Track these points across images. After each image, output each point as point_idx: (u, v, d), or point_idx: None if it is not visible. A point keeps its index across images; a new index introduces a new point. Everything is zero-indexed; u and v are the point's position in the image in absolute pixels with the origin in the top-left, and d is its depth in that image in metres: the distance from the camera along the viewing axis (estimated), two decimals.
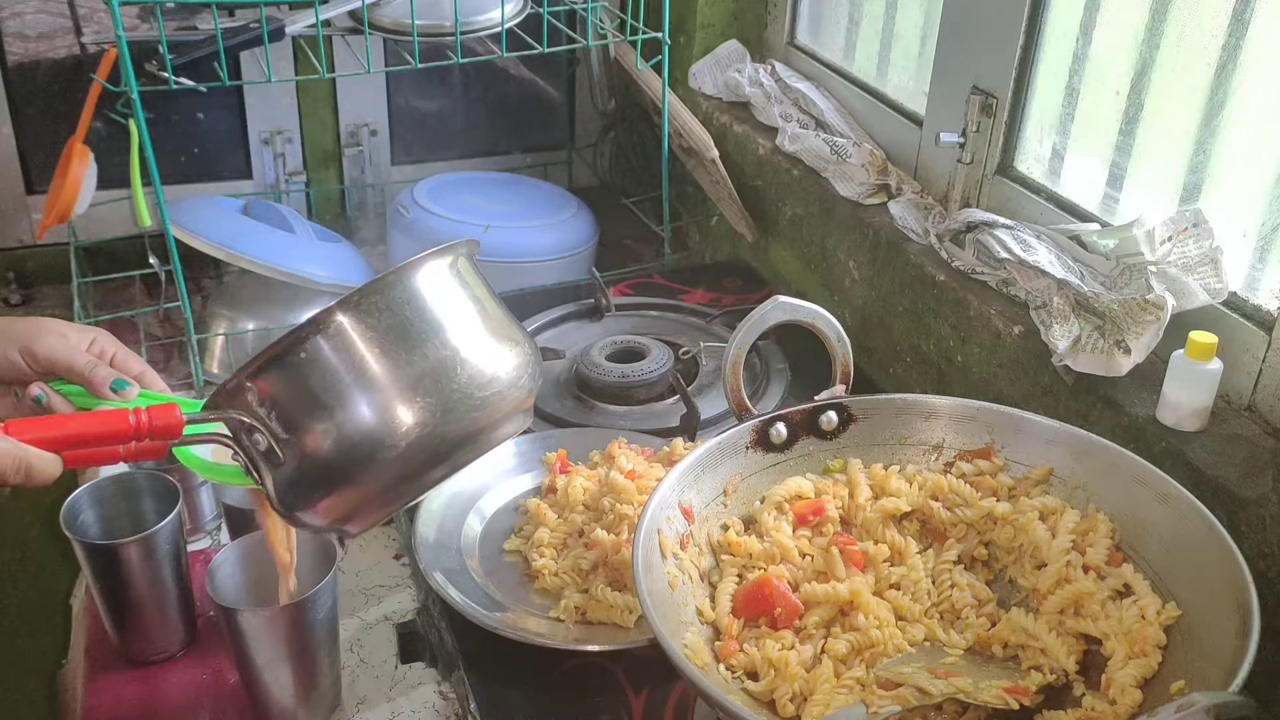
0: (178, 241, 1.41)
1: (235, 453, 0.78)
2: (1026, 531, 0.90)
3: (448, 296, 0.77)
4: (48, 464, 0.73)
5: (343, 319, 0.73)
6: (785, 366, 1.37)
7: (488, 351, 0.77)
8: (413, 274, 0.76)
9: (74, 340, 0.85)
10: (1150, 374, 1.01)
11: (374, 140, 1.89)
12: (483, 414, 0.76)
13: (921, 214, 1.33)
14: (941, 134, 1.29)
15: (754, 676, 0.85)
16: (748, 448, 0.97)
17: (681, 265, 1.75)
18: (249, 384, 0.74)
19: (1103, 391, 1.04)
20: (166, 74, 1.31)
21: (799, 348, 1.36)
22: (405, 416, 0.73)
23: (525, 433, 1.22)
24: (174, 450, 0.85)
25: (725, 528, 0.95)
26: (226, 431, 0.76)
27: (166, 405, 0.74)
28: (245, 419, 0.74)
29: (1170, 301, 0.99)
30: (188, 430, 0.75)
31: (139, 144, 1.34)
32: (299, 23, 1.41)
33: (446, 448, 0.76)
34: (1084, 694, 0.81)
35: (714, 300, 1.56)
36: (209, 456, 0.87)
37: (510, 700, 0.94)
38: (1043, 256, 1.12)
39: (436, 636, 1.04)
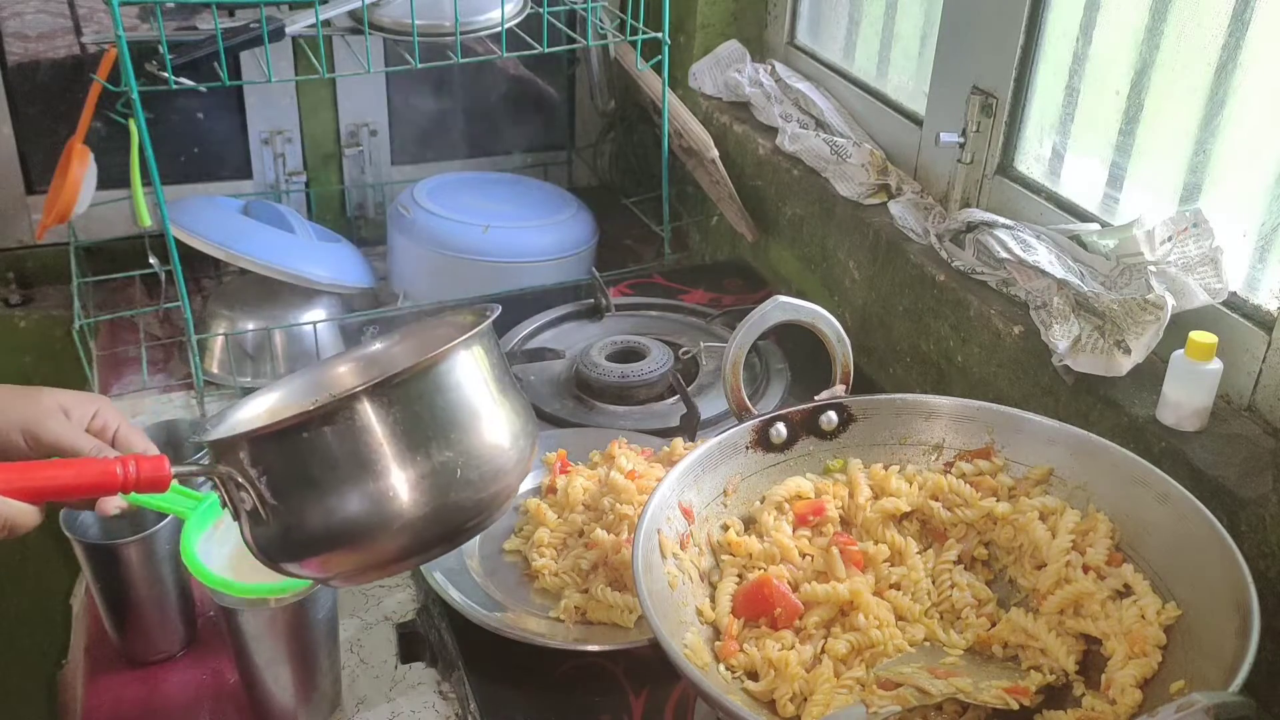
0: (178, 241, 1.41)
1: (216, 489, 0.78)
2: (1026, 531, 0.90)
3: (463, 388, 0.75)
4: (29, 516, 0.73)
5: (356, 409, 0.71)
6: (785, 366, 1.36)
7: (491, 451, 0.75)
8: (431, 370, 0.74)
9: (76, 417, 0.84)
10: (1150, 374, 1.01)
11: (374, 140, 1.89)
12: (475, 514, 0.76)
13: (921, 214, 1.33)
14: (941, 134, 1.29)
15: (754, 676, 0.85)
16: (748, 448, 0.97)
17: (681, 265, 1.75)
18: (247, 445, 0.73)
19: (1103, 391, 1.04)
20: (166, 74, 1.31)
21: (799, 348, 1.36)
22: (398, 515, 0.73)
23: None
24: (185, 560, 0.86)
25: (725, 528, 0.95)
26: (225, 475, 0.76)
27: (156, 458, 0.74)
28: (237, 478, 0.73)
29: (1170, 301, 0.99)
30: (176, 479, 0.75)
31: (139, 144, 1.34)
32: (299, 23, 1.41)
33: (433, 542, 0.76)
34: (1084, 694, 0.81)
35: (714, 300, 1.56)
36: (225, 572, 0.88)
37: (510, 700, 0.94)
38: (1043, 256, 1.12)
39: (436, 636, 1.04)
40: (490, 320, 0.79)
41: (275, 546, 0.76)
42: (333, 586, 0.83)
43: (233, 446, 0.73)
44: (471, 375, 0.75)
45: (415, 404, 0.72)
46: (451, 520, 0.74)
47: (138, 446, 0.85)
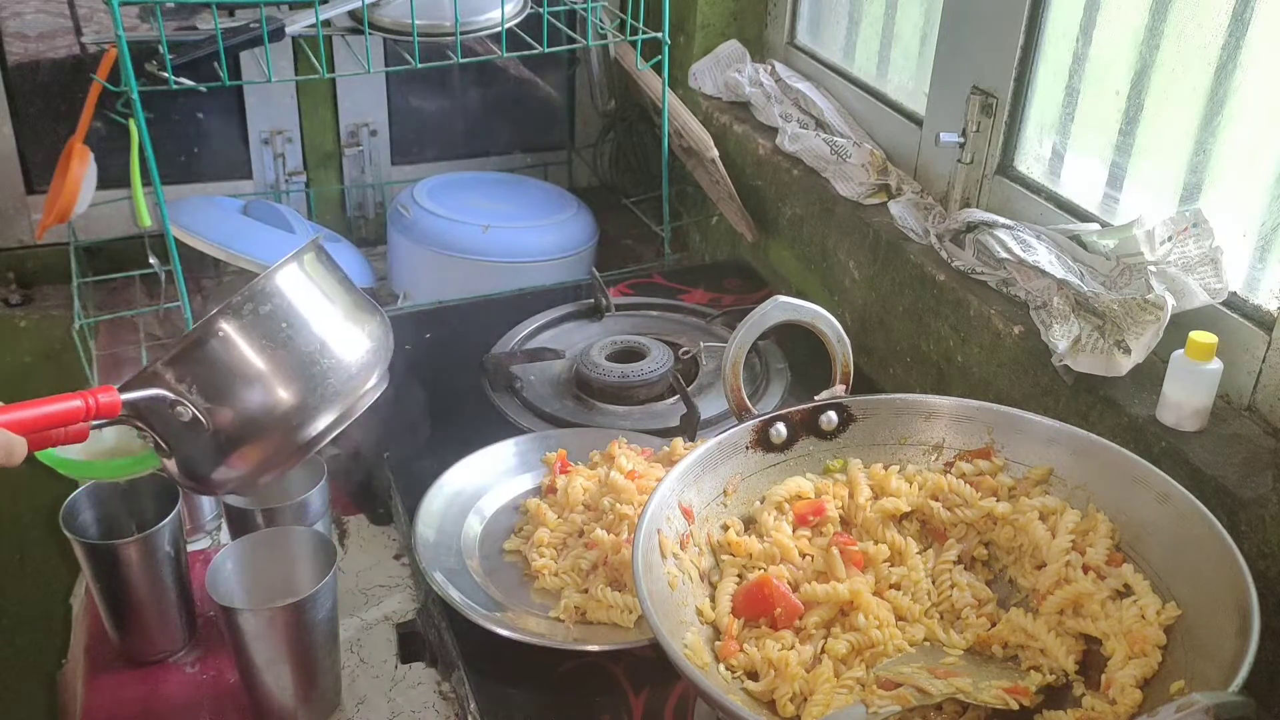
0: (178, 241, 1.41)
1: (144, 433, 0.89)
2: (1026, 531, 0.90)
3: (299, 295, 0.93)
4: (20, 445, 0.80)
5: (226, 325, 0.88)
6: (785, 366, 1.36)
7: (340, 340, 0.93)
8: (263, 286, 0.90)
9: None
10: (1150, 374, 1.01)
11: (374, 140, 1.89)
12: (346, 391, 0.93)
13: (921, 214, 1.33)
14: (941, 134, 1.29)
15: (754, 676, 0.85)
16: (748, 448, 0.97)
17: (681, 265, 1.75)
18: (168, 368, 0.87)
19: (1103, 391, 1.04)
20: (166, 74, 1.31)
21: (799, 348, 1.36)
22: (299, 386, 0.90)
23: (525, 432, 1.23)
24: (37, 453, 0.94)
25: (725, 528, 0.95)
26: (162, 397, 0.88)
27: (107, 388, 0.86)
28: (171, 395, 0.87)
29: (1170, 301, 0.99)
30: (125, 400, 0.86)
31: (139, 144, 1.34)
32: (299, 23, 1.41)
33: (321, 415, 0.92)
34: (1084, 694, 0.81)
35: (714, 300, 1.56)
36: (74, 456, 0.99)
37: (510, 700, 0.94)
38: (1043, 256, 1.12)
39: (436, 636, 1.04)
40: (312, 242, 0.96)
41: (208, 452, 0.89)
42: (256, 487, 0.98)
43: (157, 374, 0.88)
44: (303, 286, 0.93)
45: (268, 305, 0.90)
46: (327, 393, 0.91)
47: None
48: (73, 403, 0.83)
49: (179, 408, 0.87)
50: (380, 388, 0.98)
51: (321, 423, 0.92)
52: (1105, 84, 1.15)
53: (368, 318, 0.97)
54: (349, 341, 0.94)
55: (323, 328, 0.93)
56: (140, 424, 0.89)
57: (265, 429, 0.90)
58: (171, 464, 0.91)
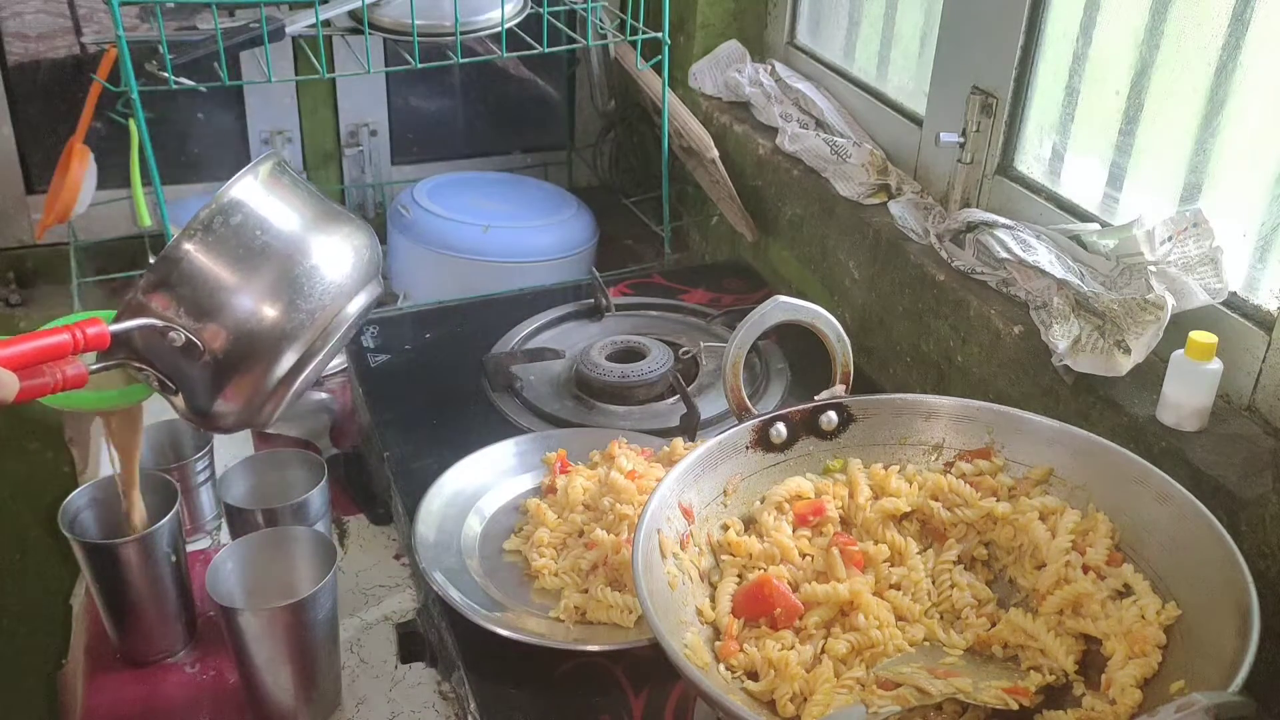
0: None
1: (142, 370, 0.87)
2: (1026, 531, 0.90)
3: (262, 207, 0.91)
4: (11, 380, 0.79)
5: (201, 240, 0.86)
6: (785, 366, 1.36)
7: (330, 237, 0.93)
8: (224, 200, 0.89)
9: None
10: (1150, 374, 1.01)
11: (374, 140, 1.89)
12: (346, 283, 0.93)
13: (921, 214, 1.33)
14: (941, 134, 1.29)
15: (754, 676, 0.85)
16: (748, 448, 0.97)
17: (681, 265, 1.75)
18: (150, 298, 0.86)
19: (1103, 391, 1.04)
20: (166, 74, 1.31)
21: (799, 348, 1.36)
22: (287, 290, 0.89)
23: (525, 432, 1.23)
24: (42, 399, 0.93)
25: (725, 528, 0.95)
26: (149, 332, 0.87)
27: (94, 320, 0.84)
28: (159, 323, 0.86)
29: (1170, 301, 0.99)
30: (113, 331, 0.85)
31: (139, 144, 1.34)
32: (299, 23, 1.41)
33: (317, 313, 0.90)
34: (1084, 694, 0.81)
35: (714, 300, 1.56)
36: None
37: (510, 700, 0.94)
38: (1043, 256, 1.12)
39: (436, 636, 1.04)
40: (271, 154, 0.95)
41: (208, 379, 0.87)
42: (260, 417, 0.93)
43: (142, 304, 0.86)
44: (270, 195, 0.91)
45: (238, 216, 0.88)
46: (315, 295, 0.90)
47: None
48: (60, 336, 0.81)
49: (171, 334, 0.85)
50: (372, 295, 0.97)
51: (313, 331, 0.90)
52: (1105, 84, 1.15)
53: (346, 224, 0.96)
54: (331, 246, 0.92)
55: (300, 232, 0.91)
56: (138, 363, 0.87)
57: (259, 341, 0.87)
58: (179, 400, 0.89)
